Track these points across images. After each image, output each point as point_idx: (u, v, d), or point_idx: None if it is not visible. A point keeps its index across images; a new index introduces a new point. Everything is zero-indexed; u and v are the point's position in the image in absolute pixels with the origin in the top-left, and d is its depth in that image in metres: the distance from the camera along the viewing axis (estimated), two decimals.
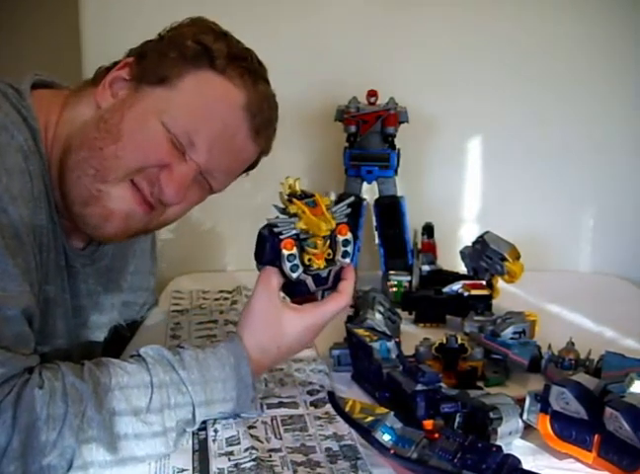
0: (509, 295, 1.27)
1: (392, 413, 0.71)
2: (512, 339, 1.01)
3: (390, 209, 1.37)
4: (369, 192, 1.42)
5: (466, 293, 1.17)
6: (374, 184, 1.38)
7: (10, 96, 0.85)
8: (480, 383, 0.95)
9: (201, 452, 0.78)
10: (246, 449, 0.77)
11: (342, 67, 1.46)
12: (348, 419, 0.72)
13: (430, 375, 0.81)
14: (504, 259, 1.21)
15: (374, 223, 1.39)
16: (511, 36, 1.51)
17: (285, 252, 0.82)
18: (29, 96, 0.87)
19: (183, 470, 0.75)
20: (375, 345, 0.91)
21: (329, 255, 0.85)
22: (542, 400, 0.77)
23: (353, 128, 1.34)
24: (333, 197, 1.39)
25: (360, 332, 0.95)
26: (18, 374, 0.70)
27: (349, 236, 0.85)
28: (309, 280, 0.84)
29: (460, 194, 1.59)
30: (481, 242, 1.25)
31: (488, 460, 0.63)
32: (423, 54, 1.51)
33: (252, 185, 1.50)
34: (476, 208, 1.59)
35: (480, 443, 0.66)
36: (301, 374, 0.98)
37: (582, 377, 0.79)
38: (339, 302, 0.86)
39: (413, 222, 1.37)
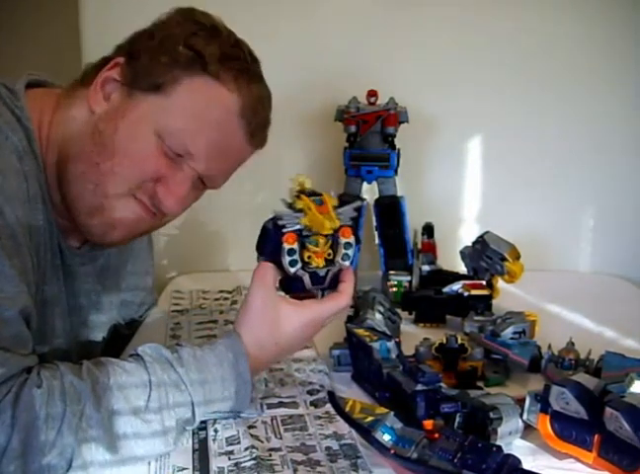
0: (509, 295, 1.26)
1: (392, 413, 0.71)
2: (512, 339, 1.01)
3: (390, 209, 1.37)
4: (369, 192, 1.42)
5: (466, 293, 1.17)
6: (374, 184, 1.37)
7: (4, 96, 0.85)
8: (480, 383, 0.95)
9: (202, 451, 0.77)
10: (246, 449, 0.76)
11: (342, 67, 1.45)
12: (348, 419, 0.72)
13: (430, 375, 0.81)
14: (504, 259, 1.20)
15: (374, 223, 1.39)
16: (511, 36, 1.51)
17: (286, 245, 0.82)
18: (22, 96, 0.87)
19: (183, 469, 0.75)
20: (375, 345, 0.91)
21: (329, 255, 0.85)
22: (542, 400, 0.77)
23: (353, 128, 1.33)
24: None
25: (360, 332, 0.95)
26: (16, 374, 0.70)
27: (351, 239, 0.85)
28: (306, 277, 0.84)
29: (460, 193, 1.59)
30: (481, 242, 1.25)
31: (488, 460, 0.63)
32: (423, 54, 1.50)
33: (252, 185, 1.51)
34: (476, 208, 1.59)
35: (480, 443, 0.65)
36: (301, 374, 0.98)
37: (582, 377, 0.79)
38: (338, 302, 0.86)
39: (413, 222, 1.37)
